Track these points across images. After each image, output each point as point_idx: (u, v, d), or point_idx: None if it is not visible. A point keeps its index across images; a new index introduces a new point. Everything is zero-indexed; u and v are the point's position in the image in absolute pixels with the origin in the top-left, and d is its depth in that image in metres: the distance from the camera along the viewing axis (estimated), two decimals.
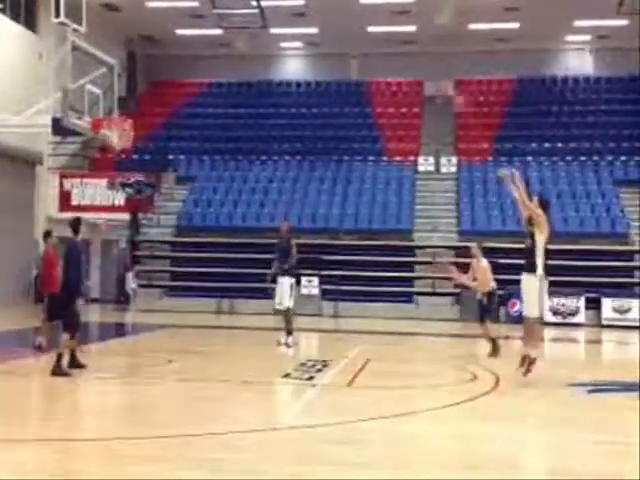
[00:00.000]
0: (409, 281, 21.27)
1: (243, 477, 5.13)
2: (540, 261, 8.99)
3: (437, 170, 24.76)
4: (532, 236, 9.10)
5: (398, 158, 25.33)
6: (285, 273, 12.43)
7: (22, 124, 15.22)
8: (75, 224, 9.55)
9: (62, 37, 14.40)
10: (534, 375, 9.19)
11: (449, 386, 9.26)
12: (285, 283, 12.45)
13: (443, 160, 24.86)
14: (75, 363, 9.46)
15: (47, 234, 11.63)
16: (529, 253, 9.07)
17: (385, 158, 25.37)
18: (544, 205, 9.27)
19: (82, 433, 6.32)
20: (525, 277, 9.15)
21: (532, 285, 9.04)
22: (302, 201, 23.24)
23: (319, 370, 10.16)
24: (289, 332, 12.45)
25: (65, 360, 9.25)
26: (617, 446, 6.21)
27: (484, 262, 11.99)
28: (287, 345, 12.31)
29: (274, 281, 12.58)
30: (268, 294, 13.88)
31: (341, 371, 10.16)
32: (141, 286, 21.79)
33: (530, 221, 9.18)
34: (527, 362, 9.17)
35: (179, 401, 8.00)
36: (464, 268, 12.79)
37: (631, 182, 22.97)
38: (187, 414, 7.29)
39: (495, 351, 11.74)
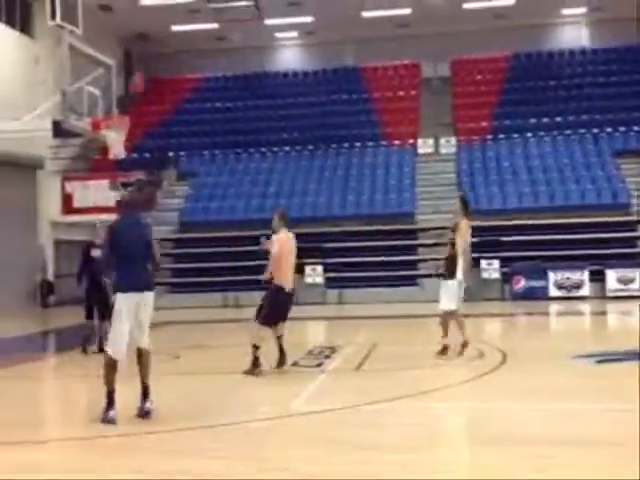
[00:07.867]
0: (413, 264, 21.35)
1: (259, 463, 5.24)
2: (460, 266, 9.24)
3: (437, 151, 24.79)
4: (453, 244, 9.28)
5: (397, 142, 25.36)
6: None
7: (22, 129, 15.30)
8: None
9: (58, 40, 14.47)
10: (542, 349, 9.25)
11: (457, 365, 9.36)
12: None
13: (442, 141, 24.88)
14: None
15: None
16: (451, 260, 9.33)
17: (384, 142, 25.40)
18: (465, 206, 9.32)
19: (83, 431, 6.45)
20: (444, 283, 9.53)
21: (450, 288, 9.47)
22: (303, 190, 23.30)
23: (327, 357, 10.27)
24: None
25: None
26: (625, 413, 6.31)
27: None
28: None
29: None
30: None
31: (349, 356, 10.27)
32: None
33: (454, 228, 9.31)
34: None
35: (187, 394, 8.04)
36: None
37: (631, 152, 22.96)
38: (200, 406, 7.37)
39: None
